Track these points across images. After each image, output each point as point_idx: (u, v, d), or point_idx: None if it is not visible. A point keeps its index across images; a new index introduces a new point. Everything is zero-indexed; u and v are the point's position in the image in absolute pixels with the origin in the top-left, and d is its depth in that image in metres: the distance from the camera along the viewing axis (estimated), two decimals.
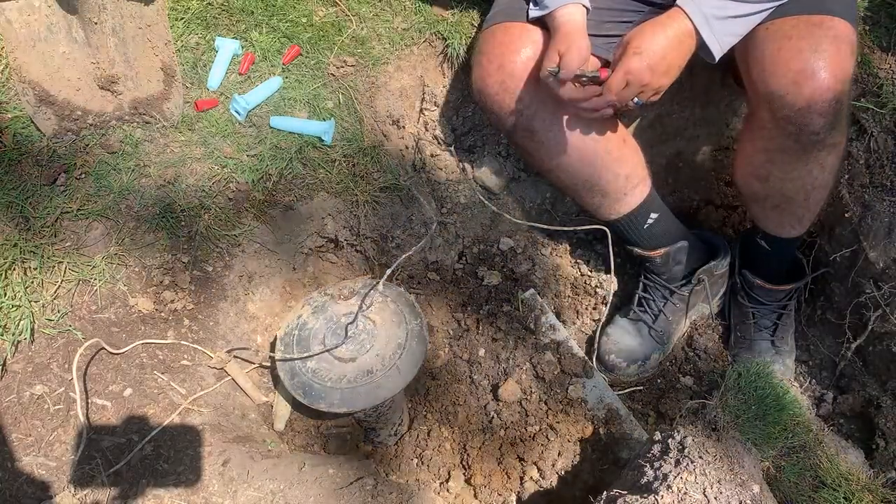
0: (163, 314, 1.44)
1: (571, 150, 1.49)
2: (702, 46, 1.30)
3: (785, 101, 1.29)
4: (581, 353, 1.65)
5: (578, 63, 1.29)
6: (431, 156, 1.79)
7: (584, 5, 1.35)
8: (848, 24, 1.30)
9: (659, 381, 1.79)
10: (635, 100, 1.31)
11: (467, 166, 1.86)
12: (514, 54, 1.41)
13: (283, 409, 1.51)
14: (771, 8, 1.29)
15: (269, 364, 1.52)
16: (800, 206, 1.51)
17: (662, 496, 1.10)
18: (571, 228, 1.70)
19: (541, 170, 1.60)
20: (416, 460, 1.54)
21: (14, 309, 1.33)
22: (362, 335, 1.39)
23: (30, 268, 1.38)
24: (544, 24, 1.41)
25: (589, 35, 1.33)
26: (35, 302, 1.36)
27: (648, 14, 1.57)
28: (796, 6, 1.29)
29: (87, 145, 1.51)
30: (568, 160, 1.50)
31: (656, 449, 1.23)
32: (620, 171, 1.53)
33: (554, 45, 1.32)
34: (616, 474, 1.41)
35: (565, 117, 1.44)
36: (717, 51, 1.30)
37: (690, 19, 1.26)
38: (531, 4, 1.40)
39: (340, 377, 1.34)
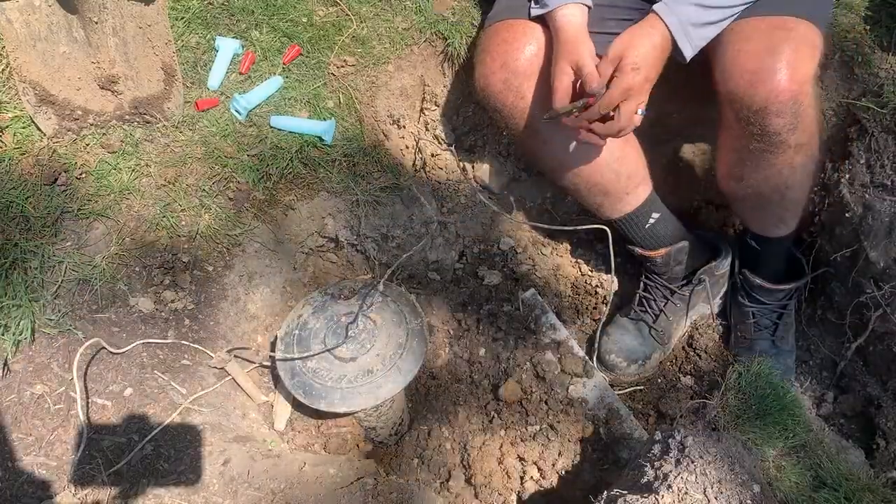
0: (163, 314, 1.44)
1: (574, 149, 1.49)
2: (674, 48, 1.32)
3: (743, 102, 1.30)
4: (581, 352, 1.65)
5: (592, 66, 1.29)
6: (432, 155, 1.79)
7: (585, 4, 1.35)
8: (811, 25, 1.30)
9: (659, 380, 1.79)
10: (639, 111, 1.31)
11: (468, 166, 1.87)
12: (518, 52, 1.41)
13: (283, 409, 1.51)
14: (741, 8, 1.30)
15: (269, 364, 1.52)
16: (777, 205, 1.52)
17: (663, 496, 1.10)
18: (572, 228, 1.70)
19: (543, 168, 1.60)
20: (416, 460, 1.54)
21: (15, 308, 1.33)
22: (362, 335, 1.39)
23: (30, 267, 1.38)
24: (545, 20, 1.40)
25: (590, 33, 1.33)
26: (35, 301, 1.36)
27: (649, 13, 1.57)
28: (762, 7, 1.31)
29: (88, 145, 1.52)
30: (570, 159, 1.50)
31: (657, 449, 1.23)
32: (622, 171, 1.53)
33: (563, 55, 1.30)
34: (616, 474, 1.41)
35: None
36: (689, 53, 1.31)
37: (668, 27, 1.28)
38: (532, 2, 1.40)
39: (341, 377, 1.34)
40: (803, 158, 1.41)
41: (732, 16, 1.31)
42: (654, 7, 1.29)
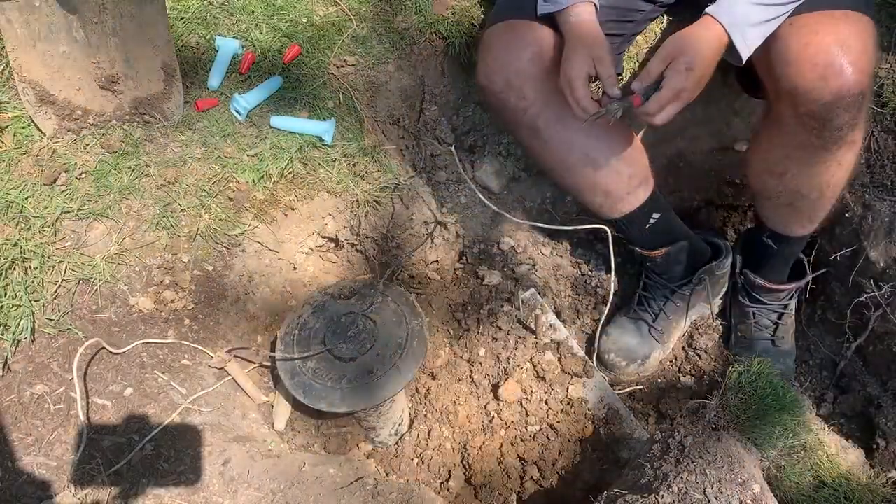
0: (163, 314, 1.44)
1: (575, 149, 1.48)
2: (730, 51, 1.29)
3: (811, 96, 1.28)
4: (581, 352, 1.65)
5: (612, 69, 1.28)
6: (432, 155, 1.79)
7: (593, 3, 1.35)
8: (870, 18, 1.30)
9: (659, 380, 1.79)
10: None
11: (468, 166, 1.86)
12: (520, 52, 1.41)
13: (283, 409, 1.51)
14: (796, 5, 1.29)
15: (269, 364, 1.52)
16: (814, 203, 1.51)
17: (663, 496, 1.10)
18: (572, 228, 1.70)
19: (545, 167, 1.60)
20: (416, 460, 1.54)
21: (15, 308, 1.33)
22: (362, 335, 1.39)
23: (30, 267, 1.38)
24: (551, 20, 1.40)
25: None
26: (35, 301, 1.36)
27: (650, 13, 1.57)
28: (818, 1, 1.29)
29: (88, 145, 1.52)
30: (572, 158, 1.50)
31: (657, 449, 1.23)
32: (623, 170, 1.53)
33: (582, 51, 1.29)
34: (616, 474, 1.41)
35: (570, 116, 1.44)
36: (746, 54, 1.29)
37: (726, 30, 1.25)
38: None
39: (340, 377, 1.34)
40: (852, 156, 1.40)
41: (787, 12, 1.29)
42: (708, 9, 1.27)
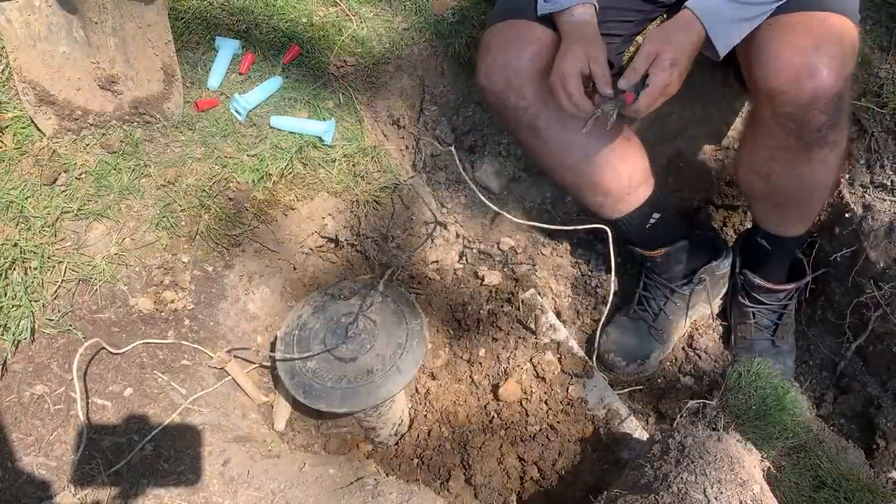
0: (163, 314, 1.44)
1: (575, 149, 1.49)
2: (707, 46, 1.31)
3: (787, 97, 1.29)
4: (581, 352, 1.65)
5: (607, 69, 1.29)
6: (432, 156, 1.79)
7: (593, 4, 1.35)
8: (849, 20, 1.30)
9: (659, 381, 1.79)
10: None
11: (468, 166, 1.86)
12: (520, 52, 1.41)
13: (283, 409, 1.51)
14: (776, 5, 1.30)
15: (269, 364, 1.52)
16: (801, 204, 1.51)
17: (663, 496, 1.10)
18: (572, 228, 1.70)
19: (544, 167, 1.60)
20: (416, 460, 1.54)
21: (14, 308, 1.33)
22: (362, 335, 1.39)
23: (30, 267, 1.38)
24: (550, 20, 1.40)
25: None
26: (35, 301, 1.36)
27: (650, 13, 1.57)
28: (798, 3, 1.30)
29: (88, 145, 1.52)
30: (572, 158, 1.50)
31: (656, 449, 1.23)
32: (623, 171, 1.53)
33: (579, 47, 1.30)
34: (616, 474, 1.41)
35: (570, 116, 1.44)
36: (723, 50, 1.31)
37: (703, 24, 1.27)
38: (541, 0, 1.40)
39: (340, 377, 1.34)
40: (835, 157, 1.41)
41: (766, 12, 1.30)
42: (687, 3, 1.28)
